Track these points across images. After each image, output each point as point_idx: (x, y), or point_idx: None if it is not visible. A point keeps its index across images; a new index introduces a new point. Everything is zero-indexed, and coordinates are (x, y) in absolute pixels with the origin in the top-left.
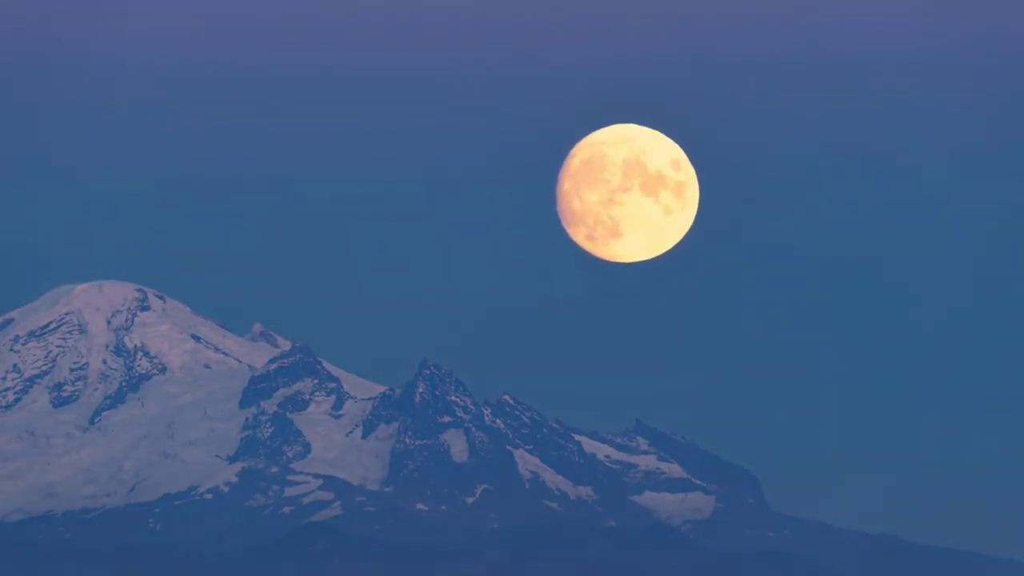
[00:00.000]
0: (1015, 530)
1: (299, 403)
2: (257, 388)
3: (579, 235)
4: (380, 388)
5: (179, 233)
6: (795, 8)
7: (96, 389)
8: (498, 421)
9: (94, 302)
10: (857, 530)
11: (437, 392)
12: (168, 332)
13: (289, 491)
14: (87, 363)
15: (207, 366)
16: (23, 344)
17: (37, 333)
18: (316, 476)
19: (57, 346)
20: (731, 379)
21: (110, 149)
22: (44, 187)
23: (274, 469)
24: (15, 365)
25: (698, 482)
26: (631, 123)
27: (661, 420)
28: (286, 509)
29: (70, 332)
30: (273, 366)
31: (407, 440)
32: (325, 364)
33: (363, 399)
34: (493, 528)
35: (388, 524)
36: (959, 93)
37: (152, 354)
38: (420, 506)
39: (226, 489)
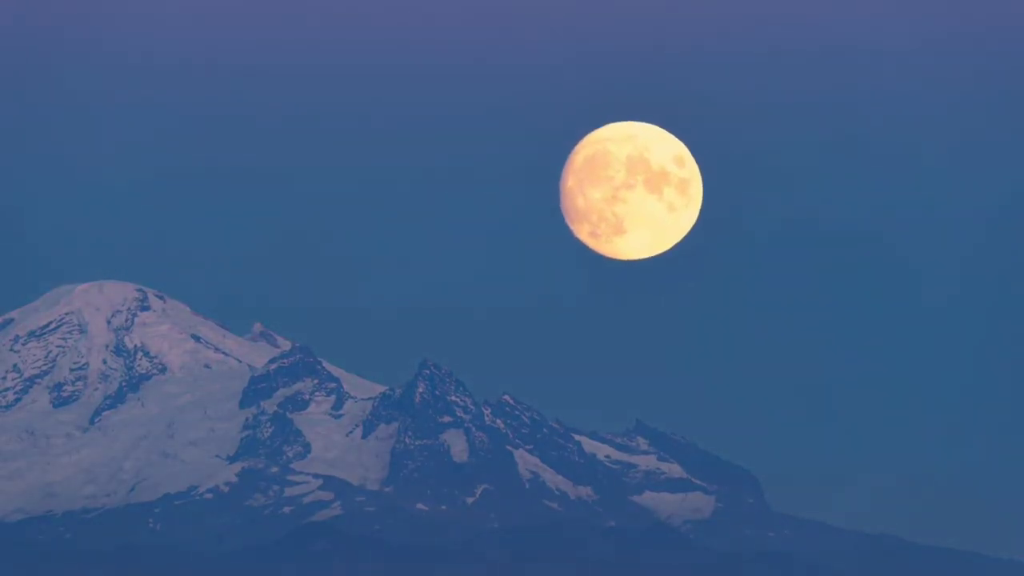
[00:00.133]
0: (1015, 530)
1: (299, 403)
2: (257, 388)
3: (582, 232)
4: (380, 388)
5: (179, 233)
6: (798, 2)
7: (96, 389)
8: (498, 421)
9: (94, 302)
10: (857, 530)
11: (437, 392)
12: (168, 332)
13: (289, 491)
14: (87, 363)
15: (207, 366)
16: (23, 344)
17: (37, 333)
18: (316, 476)
19: (57, 346)
20: (731, 379)
21: (110, 149)
22: (44, 187)
23: (274, 469)
24: (15, 365)
25: (698, 482)
26: (634, 120)
27: (661, 420)
28: (286, 509)
29: (70, 332)
30: (273, 366)
31: (407, 440)
32: (325, 364)
33: (363, 399)
34: (493, 528)
35: (388, 524)
36: (964, 87)
37: (152, 354)
38: (420, 506)
39: (226, 489)
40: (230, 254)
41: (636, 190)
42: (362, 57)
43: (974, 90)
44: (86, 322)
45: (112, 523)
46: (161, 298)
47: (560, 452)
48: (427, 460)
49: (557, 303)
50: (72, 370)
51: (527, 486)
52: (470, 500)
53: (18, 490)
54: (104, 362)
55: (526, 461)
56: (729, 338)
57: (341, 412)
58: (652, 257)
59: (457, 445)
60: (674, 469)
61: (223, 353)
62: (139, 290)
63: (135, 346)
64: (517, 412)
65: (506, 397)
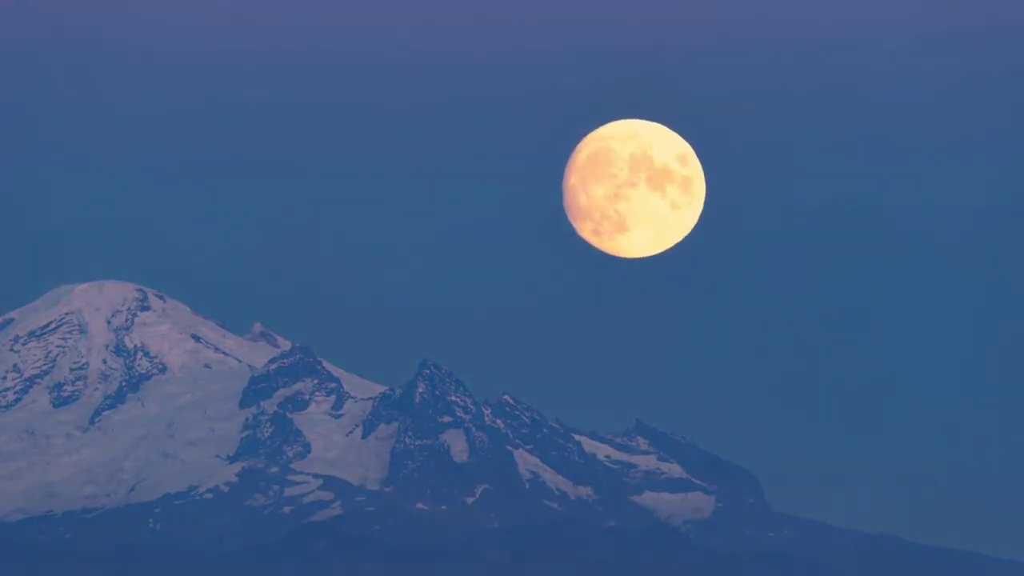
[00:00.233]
0: (1015, 530)
1: (299, 403)
2: (257, 388)
3: (585, 230)
4: (380, 388)
5: (179, 233)
6: (801, 1)
7: (96, 389)
8: (498, 421)
9: (94, 302)
10: (857, 530)
11: (437, 392)
12: (168, 332)
13: (289, 491)
14: (87, 363)
15: (207, 366)
16: (23, 344)
17: (37, 333)
18: (316, 476)
19: (57, 346)
20: (731, 379)
21: (110, 149)
22: (44, 187)
23: (274, 469)
24: (15, 365)
25: (698, 482)
26: (637, 118)
27: (661, 420)
28: (286, 509)
29: (70, 332)
30: (273, 366)
31: (407, 440)
32: (325, 364)
33: (363, 399)
34: (493, 528)
35: (388, 524)
36: (966, 86)
37: (152, 354)
38: (420, 506)
39: (226, 489)
40: (230, 254)
41: (639, 188)
42: (362, 56)
43: (975, 90)
44: (86, 322)
45: (112, 523)
46: (161, 298)
47: (560, 452)
48: (427, 460)
49: (557, 303)
50: (72, 370)
51: (527, 486)
52: (470, 500)
53: (18, 490)
54: (104, 362)
55: (526, 461)
56: (729, 338)
57: (341, 412)
58: (655, 255)
59: (457, 445)
60: (674, 469)
61: (223, 353)
62: (139, 290)
63: (135, 346)
64: (517, 412)
65: (506, 397)
